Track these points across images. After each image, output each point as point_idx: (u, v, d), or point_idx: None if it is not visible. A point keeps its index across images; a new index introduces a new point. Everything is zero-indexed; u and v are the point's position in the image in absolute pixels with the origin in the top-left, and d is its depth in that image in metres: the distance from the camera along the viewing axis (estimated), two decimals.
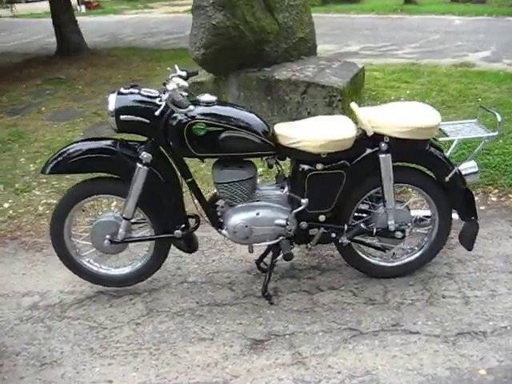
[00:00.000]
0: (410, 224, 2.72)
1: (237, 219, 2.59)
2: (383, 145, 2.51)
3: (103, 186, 2.70)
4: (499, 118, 2.62)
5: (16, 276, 3.02)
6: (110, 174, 2.64)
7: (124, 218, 2.62)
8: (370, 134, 2.52)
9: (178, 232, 2.62)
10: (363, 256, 2.79)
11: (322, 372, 2.20)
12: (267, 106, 4.83)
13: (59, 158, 2.58)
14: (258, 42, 4.82)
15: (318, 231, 2.64)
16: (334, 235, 2.66)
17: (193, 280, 2.88)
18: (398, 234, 2.69)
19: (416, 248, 2.84)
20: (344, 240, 2.62)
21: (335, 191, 2.58)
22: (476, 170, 2.71)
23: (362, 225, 2.64)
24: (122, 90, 2.49)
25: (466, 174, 2.67)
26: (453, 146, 2.77)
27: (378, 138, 2.52)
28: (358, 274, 2.81)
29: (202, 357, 2.33)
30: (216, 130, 2.46)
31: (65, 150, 2.60)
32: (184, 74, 2.54)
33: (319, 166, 2.52)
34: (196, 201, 2.66)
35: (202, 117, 2.46)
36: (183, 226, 2.65)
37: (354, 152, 2.54)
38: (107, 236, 2.63)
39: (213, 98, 2.53)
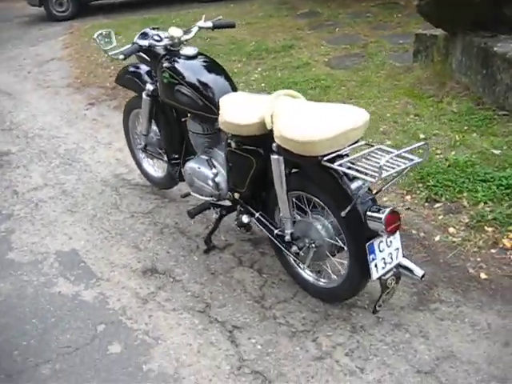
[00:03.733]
0: (314, 242, 2.34)
1: (188, 165, 2.84)
2: (274, 144, 2.21)
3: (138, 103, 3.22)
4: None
5: None
6: None
7: (142, 134, 3.28)
8: (268, 127, 2.22)
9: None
10: (294, 265, 2.57)
11: None
12: (480, 82, 4.02)
13: (119, 73, 3.35)
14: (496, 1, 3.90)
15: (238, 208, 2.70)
16: (245, 219, 2.65)
17: None
18: (294, 249, 2.44)
19: (335, 276, 2.45)
20: (244, 219, 2.63)
21: (246, 174, 2.48)
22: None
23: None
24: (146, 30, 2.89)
25: (370, 216, 2.07)
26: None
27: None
28: None
29: None
30: (173, 82, 2.70)
31: (124, 68, 3.29)
32: (209, 24, 2.85)
33: (232, 145, 2.47)
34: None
35: (168, 66, 2.72)
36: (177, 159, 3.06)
37: (268, 142, 2.27)
38: (138, 146, 3.44)
39: (191, 52, 2.72)
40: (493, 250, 2.73)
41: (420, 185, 3.24)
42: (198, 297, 2.64)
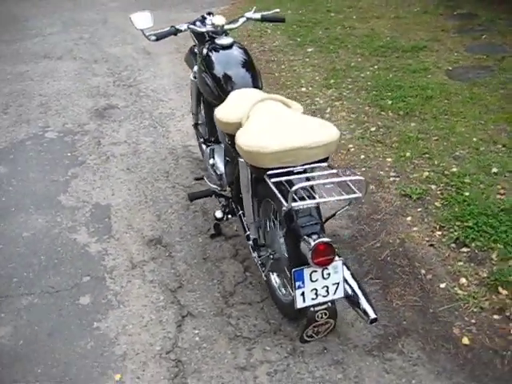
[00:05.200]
0: (274, 253, 2.28)
1: (207, 150, 2.94)
2: None
3: None
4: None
5: None
6: None
7: (192, 113, 3.46)
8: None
9: None
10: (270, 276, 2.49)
11: None
12: None
13: (187, 52, 3.50)
14: None
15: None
16: (218, 214, 2.72)
17: None
18: (254, 255, 2.39)
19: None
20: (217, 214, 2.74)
21: (233, 172, 2.50)
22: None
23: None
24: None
25: (304, 242, 1.95)
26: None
27: None
28: None
29: None
30: (201, 68, 2.80)
31: (190, 47, 3.41)
32: (258, 16, 2.88)
33: (226, 141, 2.51)
34: None
35: (201, 53, 2.82)
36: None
37: None
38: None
39: (225, 42, 2.74)
40: (495, 316, 2.38)
41: (457, 223, 2.90)
42: (178, 276, 2.75)
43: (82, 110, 4.77)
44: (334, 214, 2.17)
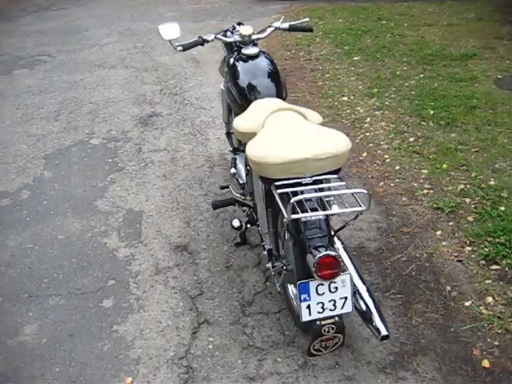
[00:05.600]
0: (288, 265, 2.25)
1: (234, 156, 3.01)
2: None
3: None
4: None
5: None
6: None
7: (224, 122, 3.53)
8: None
9: None
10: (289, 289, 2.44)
11: None
12: None
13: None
14: None
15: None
16: (235, 223, 2.73)
17: None
18: (268, 265, 2.38)
19: None
20: (234, 223, 2.75)
21: (251, 179, 2.49)
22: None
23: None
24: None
25: (310, 254, 1.91)
26: None
27: None
28: None
29: None
30: (227, 78, 2.84)
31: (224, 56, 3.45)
32: (286, 26, 2.89)
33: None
34: None
35: (228, 62, 2.86)
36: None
37: None
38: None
39: (250, 52, 2.76)
40: None
41: (489, 238, 2.78)
42: (199, 283, 2.78)
43: (128, 117, 4.92)
44: (343, 227, 2.12)
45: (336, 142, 2.00)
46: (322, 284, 1.96)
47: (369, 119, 4.26)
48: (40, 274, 2.93)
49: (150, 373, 2.28)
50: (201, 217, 3.33)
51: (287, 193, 1.93)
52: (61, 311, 2.66)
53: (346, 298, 2.00)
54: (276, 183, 1.98)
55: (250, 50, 2.77)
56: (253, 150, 2.04)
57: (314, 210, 1.92)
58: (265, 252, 2.42)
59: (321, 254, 1.87)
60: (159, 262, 2.95)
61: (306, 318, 1.98)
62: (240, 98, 2.66)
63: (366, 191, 1.84)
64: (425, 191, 3.28)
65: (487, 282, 2.56)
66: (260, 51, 2.80)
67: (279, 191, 1.94)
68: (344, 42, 6.22)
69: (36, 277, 2.92)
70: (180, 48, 2.77)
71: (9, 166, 4.18)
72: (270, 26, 2.94)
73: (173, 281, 2.81)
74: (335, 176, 2.03)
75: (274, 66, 2.78)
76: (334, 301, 1.99)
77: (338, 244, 2.40)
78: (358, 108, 4.49)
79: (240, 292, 2.69)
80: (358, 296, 2.19)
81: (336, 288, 1.98)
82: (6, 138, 4.69)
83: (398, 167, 3.56)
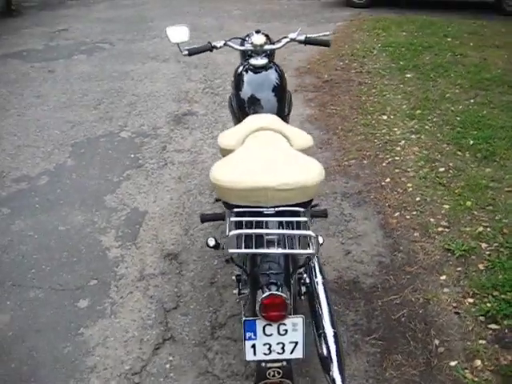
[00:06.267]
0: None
1: None
2: None
3: None
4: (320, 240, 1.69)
5: None
6: None
7: None
8: None
9: None
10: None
11: None
12: None
13: None
14: None
15: None
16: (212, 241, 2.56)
17: None
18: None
19: None
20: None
21: None
22: None
23: None
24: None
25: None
26: None
27: None
28: None
29: None
30: (233, 85, 2.74)
31: None
32: (302, 38, 2.73)
33: None
34: None
35: (235, 71, 2.75)
36: None
37: None
38: None
39: (258, 63, 2.63)
40: None
41: (495, 293, 2.51)
42: (178, 296, 2.69)
43: (163, 113, 4.91)
44: (301, 266, 1.95)
45: (306, 173, 1.84)
46: (270, 325, 1.81)
47: (403, 142, 4.01)
48: (30, 264, 2.94)
49: None
50: (201, 226, 3.23)
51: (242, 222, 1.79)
52: (36, 305, 2.65)
53: (296, 343, 1.83)
54: (235, 210, 1.85)
55: (258, 61, 2.64)
56: (216, 171, 1.91)
57: (271, 244, 1.77)
58: (233, 277, 2.29)
59: (266, 294, 1.72)
60: (146, 268, 2.88)
61: (250, 357, 1.83)
62: (238, 110, 2.54)
63: (314, 235, 1.66)
64: (440, 229, 3.02)
65: (481, 342, 2.30)
66: (269, 62, 2.66)
67: (232, 219, 1.81)
68: (401, 57, 5.93)
69: (25, 266, 2.93)
70: (186, 52, 2.69)
71: (38, 150, 4.27)
72: (285, 37, 2.79)
73: (153, 289, 2.73)
74: (301, 209, 1.87)
75: (281, 80, 2.63)
76: (283, 344, 1.83)
77: (318, 279, 2.25)
78: (395, 129, 4.24)
79: (215, 312, 2.57)
80: (322, 340, 2.02)
81: (286, 331, 1.82)
82: (44, 121, 4.80)
83: (418, 198, 3.31)
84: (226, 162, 1.97)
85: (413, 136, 4.09)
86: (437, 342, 2.33)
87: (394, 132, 4.20)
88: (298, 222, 1.83)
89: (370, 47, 6.29)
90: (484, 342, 2.30)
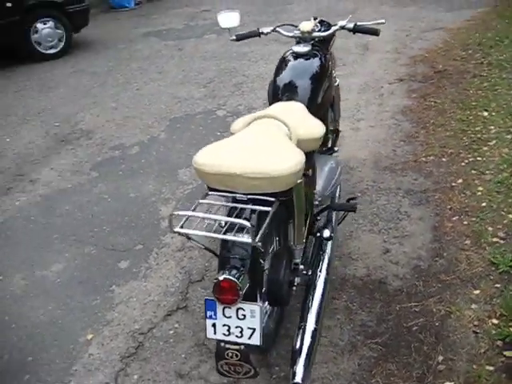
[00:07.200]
0: None
1: None
2: None
3: None
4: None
5: None
6: None
7: None
8: None
9: None
10: None
11: None
12: None
13: None
14: None
15: None
16: None
17: None
18: None
19: None
20: None
21: None
22: None
23: None
24: None
25: None
26: None
27: None
28: None
29: None
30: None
31: None
32: (351, 26, 2.69)
33: None
34: None
35: (280, 57, 2.73)
36: None
37: None
38: None
39: (299, 50, 2.61)
40: None
41: None
42: (206, 270, 2.83)
43: (265, 95, 5.01)
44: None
45: (277, 164, 1.83)
46: (230, 307, 1.86)
47: (493, 142, 3.65)
48: (95, 223, 3.30)
49: (109, 337, 2.45)
50: None
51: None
52: (87, 260, 2.98)
53: (254, 330, 1.87)
54: (210, 192, 1.92)
55: (300, 48, 2.62)
56: (199, 154, 1.98)
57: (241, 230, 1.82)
58: None
59: (221, 277, 1.78)
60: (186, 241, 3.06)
61: (210, 335, 1.91)
62: (272, 96, 2.56)
63: (248, 225, 1.67)
64: (494, 239, 2.75)
65: (487, 368, 2.09)
66: (312, 50, 2.63)
67: (201, 201, 1.89)
68: None
69: (91, 225, 3.29)
70: (233, 37, 2.76)
71: (141, 121, 4.67)
72: (335, 25, 2.72)
73: (187, 261, 2.91)
74: (272, 199, 1.87)
75: (320, 69, 2.59)
76: (242, 328, 1.88)
77: (322, 274, 2.25)
78: (491, 127, 3.87)
79: None
80: (300, 332, 2.03)
81: (244, 316, 1.86)
82: (157, 96, 5.22)
83: (484, 204, 3.03)
84: (213, 146, 2.03)
85: (508, 136, 3.70)
86: (440, 358, 2.17)
87: (489, 130, 3.83)
88: (266, 212, 1.85)
89: (502, 36, 5.72)
90: (491, 368, 2.09)
